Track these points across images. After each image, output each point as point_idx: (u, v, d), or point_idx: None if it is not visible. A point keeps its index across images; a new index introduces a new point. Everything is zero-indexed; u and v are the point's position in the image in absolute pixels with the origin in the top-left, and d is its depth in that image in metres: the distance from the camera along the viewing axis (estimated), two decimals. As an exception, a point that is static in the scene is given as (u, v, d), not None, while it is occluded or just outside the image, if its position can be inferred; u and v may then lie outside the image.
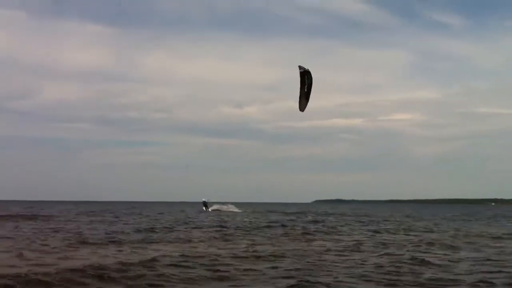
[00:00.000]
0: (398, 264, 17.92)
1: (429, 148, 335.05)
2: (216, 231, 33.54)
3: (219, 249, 22.40)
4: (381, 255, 20.85)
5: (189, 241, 26.14)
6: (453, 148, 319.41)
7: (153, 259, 18.08)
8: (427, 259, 19.35)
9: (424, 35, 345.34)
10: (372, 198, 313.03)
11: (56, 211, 73.17)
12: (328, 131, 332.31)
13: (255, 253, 20.56)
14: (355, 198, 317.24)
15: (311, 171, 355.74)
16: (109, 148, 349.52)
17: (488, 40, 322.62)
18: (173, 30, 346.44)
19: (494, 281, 14.86)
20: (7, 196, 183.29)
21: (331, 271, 16.50)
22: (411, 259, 19.33)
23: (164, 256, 19.18)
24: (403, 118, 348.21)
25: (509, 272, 16.40)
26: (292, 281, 14.58)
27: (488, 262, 18.86)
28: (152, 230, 33.66)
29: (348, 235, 31.77)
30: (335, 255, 20.76)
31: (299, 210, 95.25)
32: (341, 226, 41.52)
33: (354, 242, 25.99)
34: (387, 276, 15.52)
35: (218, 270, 16.18)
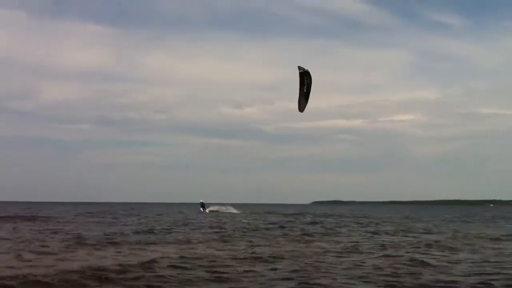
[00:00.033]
0: (396, 266, 17.93)
1: (428, 148, 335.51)
2: (215, 232, 33.52)
3: (217, 250, 22.39)
4: (379, 256, 20.85)
5: (188, 242, 26.12)
6: (453, 148, 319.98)
7: (152, 261, 18.06)
8: (426, 260, 19.36)
9: (424, 35, 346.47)
10: (371, 199, 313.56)
11: (55, 212, 73.08)
12: (328, 132, 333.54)
13: (253, 255, 20.55)
14: (354, 199, 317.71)
15: (310, 172, 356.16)
16: (109, 148, 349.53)
17: (488, 40, 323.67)
18: (173, 30, 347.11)
19: (493, 282, 14.88)
20: (6, 197, 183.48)
21: (330, 272, 16.49)
22: (410, 260, 19.34)
23: (163, 257, 19.17)
24: (403, 119, 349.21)
25: (507, 274, 16.41)
26: (291, 283, 14.58)
27: (487, 264, 18.86)
28: (150, 231, 33.63)
29: (347, 236, 31.76)
30: (334, 256, 20.75)
31: (298, 211, 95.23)
32: (340, 227, 41.51)
33: (353, 244, 25.99)
34: (386, 278, 15.50)
35: (217, 272, 16.16)
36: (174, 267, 17.04)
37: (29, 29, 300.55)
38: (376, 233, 34.47)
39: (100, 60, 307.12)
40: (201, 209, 78.46)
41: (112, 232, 31.82)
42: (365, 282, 14.99)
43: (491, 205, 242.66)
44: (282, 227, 40.71)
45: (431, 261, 19.21)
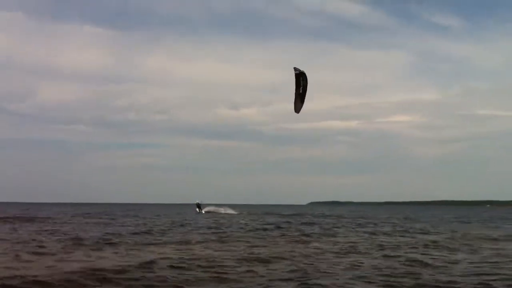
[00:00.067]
0: (395, 266, 17.96)
1: (428, 149, 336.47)
2: (213, 233, 33.50)
3: (216, 251, 22.37)
4: (378, 257, 20.85)
5: (186, 243, 26.09)
6: (452, 149, 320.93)
7: (150, 261, 18.04)
8: (424, 261, 19.38)
9: (424, 37, 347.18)
10: (368, 200, 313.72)
11: (53, 213, 73.01)
12: (328, 133, 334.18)
13: (252, 255, 20.54)
14: (351, 200, 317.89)
15: (309, 173, 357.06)
16: (109, 150, 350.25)
17: (487, 41, 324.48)
18: (173, 32, 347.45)
19: (491, 283, 14.89)
20: (6, 198, 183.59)
21: (329, 273, 16.49)
22: (408, 260, 19.36)
23: (161, 258, 19.15)
24: (402, 120, 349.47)
25: (506, 274, 16.43)
26: (290, 283, 14.58)
27: (485, 264, 18.88)
28: (148, 232, 33.59)
29: (345, 237, 31.75)
30: (332, 257, 20.75)
31: (295, 212, 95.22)
32: (338, 228, 41.50)
33: (351, 244, 25.98)
34: (385, 278, 15.51)
35: (215, 272, 16.15)
36: (173, 267, 17.02)
37: (29, 30, 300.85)
38: (374, 234, 34.48)
39: (100, 61, 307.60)
40: (197, 209, 78.37)
41: (109, 233, 31.78)
42: (364, 282, 14.98)
43: (488, 205, 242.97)
44: (280, 227, 40.70)
45: (430, 261, 19.22)
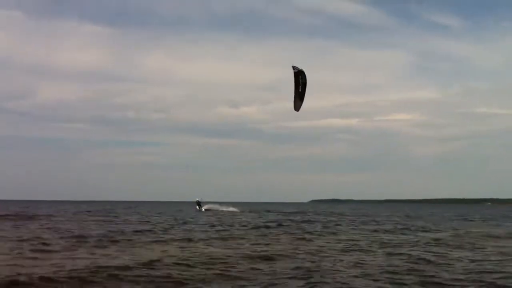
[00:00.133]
0: (398, 264, 18.00)
1: (428, 148, 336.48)
2: (215, 231, 33.55)
3: (218, 248, 22.43)
4: (381, 254, 20.91)
5: (189, 240, 26.13)
6: (452, 148, 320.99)
7: (154, 259, 18.08)
8: (427, 258, 19.44)
9: (424, 36, 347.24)
10: (369, 197, 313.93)
11: (53, 210, 73.08)
12: (328, 131, 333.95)
13: (255, 253, 20.59)
14: (352, 198, 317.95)
15: (309, 171, 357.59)
16: (109, 148, 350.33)
17: (487, 40, 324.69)
18: (173, 31, 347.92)
19: (494, 280, 14.93)
20: (6, 196, 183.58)
21: (332, 270, 16.53)
22: (411, 258, 19.41)
23: (164, 255, 19.21)
24: (402, 118, 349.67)
25: (509, 272, 16.48)
26: (294, 281, 14.64)
27: (488, 262, 18.94)
28: (151, 230, 33.63)
29: (347, 234, 31.80)
30: (335, 254, 20.80)
31: (297, 210, 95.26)
32: (340, 225, 41.57)
33: (354, 242, 26.03)
34: (389, 275, 15.56)
35: (219, 269, 16.21)
36: (177, 264, 17.07)
37: (28, 29, 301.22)
38: (376, 231, 34.53)
39: (100, 60, 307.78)
40: (197, 207, 78.40)
41: (111, 231, 31.79)
42: (369, 279, 15.03)
43: (489, 203, 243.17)
44: (281, 225, 40.76)
45: (433, 259, 19.27)
